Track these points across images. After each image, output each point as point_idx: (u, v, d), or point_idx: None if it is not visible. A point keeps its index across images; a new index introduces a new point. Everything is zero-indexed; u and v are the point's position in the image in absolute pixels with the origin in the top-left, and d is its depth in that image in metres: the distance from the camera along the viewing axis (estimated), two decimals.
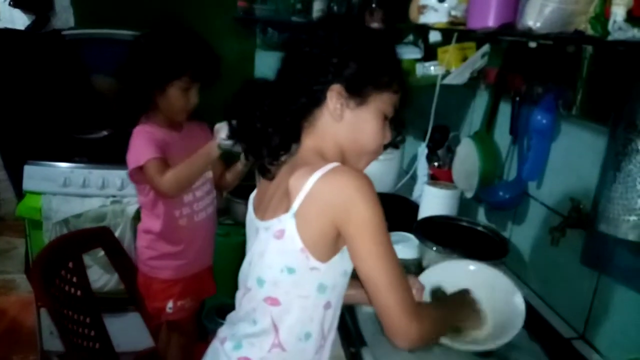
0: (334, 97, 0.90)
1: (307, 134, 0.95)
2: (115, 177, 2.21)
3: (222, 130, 1.47)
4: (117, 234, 2.14)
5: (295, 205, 0.86)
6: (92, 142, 2.37)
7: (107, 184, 2.20)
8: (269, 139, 0.94)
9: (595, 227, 1.09)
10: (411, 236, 1.61)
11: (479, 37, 1.62)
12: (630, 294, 1.14)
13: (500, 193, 1.50)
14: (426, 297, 1.17)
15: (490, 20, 1.33)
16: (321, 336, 0.96)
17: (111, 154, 2.22)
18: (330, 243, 0.88)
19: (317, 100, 0.91)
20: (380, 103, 0.93)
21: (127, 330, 1.99)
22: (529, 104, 1.44)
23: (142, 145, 1.52)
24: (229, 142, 1.44)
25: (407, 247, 1.58)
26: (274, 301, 0.92)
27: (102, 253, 1.95)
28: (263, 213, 0.97)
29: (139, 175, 1.56)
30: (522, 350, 1.22)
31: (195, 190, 1.63)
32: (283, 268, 0.89)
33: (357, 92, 0.91)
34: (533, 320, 1.31)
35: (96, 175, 2.19)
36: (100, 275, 2.21)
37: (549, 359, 1.19)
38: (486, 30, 1.35)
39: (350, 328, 1.24)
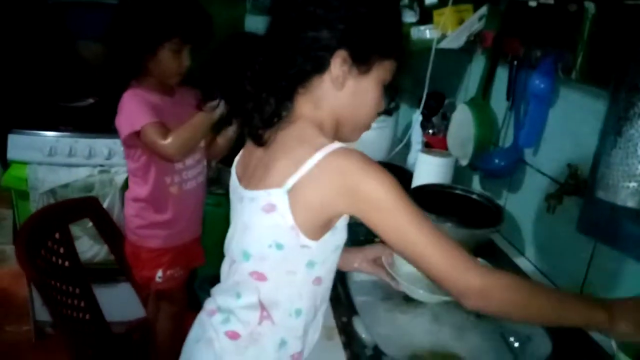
0: (339, 63, 0.84)
1: (302, 100, 0.88)
2: (102, 146, 2.15)
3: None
4: (105, 204, 2.12)
5: (291, 182, 0.80)
6: (77, 110, 2.31)
7: (94, 153, 2.15)
8: (261, 104, 0.86)
9: (594, 194, 1.05)
10: None
11: None
12: (627, 262, 1.12)
13: (496, 160, 1.47)
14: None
15: None
16: (312, 311, 0.93)
17: (98, 123, 2.18)
18: (324, 224, 0.83)
19: (319, 65, 0.84)
20: (382, 71, 0.88)
21: (118, 300, 1.98)
22: (526, 68, 1.40)
23: (136, 109, 1.47)
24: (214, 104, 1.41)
25: None
26: (260, 276, 0.88)
27: (91, 224, 1.93)
28: (247, 181, 0.92)
29: (133, 141, 1.50)
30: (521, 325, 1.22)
31: (179, 162, 1.59)
32: (271, 243, 0.85)
33: (363, 60, 0.85)
34: None
35: (83, 144, 2.14)
36: (90, 246, 2.18)
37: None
38: None
39: (342, 298, 1.22)
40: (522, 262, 1.41)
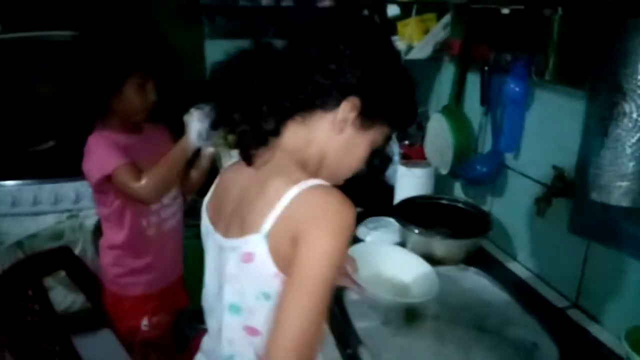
0: (348, 108, 0.81)
1: (294, 129, 0.83)
2: (69, 190, 2.06)
3: (193, 121, 1.36)
4: (77, 250, 2.02)
5: (267, 224, 0.75)
6: (38, 155, 2.20)
7: (60, 198, 2.05)
8: (259, 118, 0.81)
9: (587, 196, 1.05)
10: (391, 220, 1.56)
11: (443, 7, 1.56)
12: (622, 259, 1.12)
13: (478, 167, 1.46)
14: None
15: None
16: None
17: (61, 166, 2.08)
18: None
19: (329, 102, 0.81)
20: (379, 134, 0.87)
21: (101, 349, 1.88)
22: (499, 73, 1.40)
23: (105, 152, 1.39)
24: (205, 136, 1.34)
25: (387, 231, 1.53)
26: (253, 331, 0.83)
27: (63, 273, 1.83)
28: (226, 228, 0.86)
29: (104, 186, 1.42)
30: (518, 324, 1.21)
31: (162, 198, 1.52)
32: (258, 295, 0.80)
33: (369, 115, 0.83)
34: (524, 292, 1.30)
35: (47, 190, 2.04)
36: (65, 296, 2.07)
37: (545, 330, 1.17)
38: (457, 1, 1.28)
39: (342, 324, 1.18)
40: (515, 267, 1.41)
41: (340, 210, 0.73)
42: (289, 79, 0.81)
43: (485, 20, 1.48)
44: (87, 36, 1.41)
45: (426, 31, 1.72)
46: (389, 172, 1.88)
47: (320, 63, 0.79)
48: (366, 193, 1.77)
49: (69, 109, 1.47)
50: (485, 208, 1.53)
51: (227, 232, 0.85)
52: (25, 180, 2.06)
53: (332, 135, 0.83)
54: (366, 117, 0.82)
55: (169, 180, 1.41)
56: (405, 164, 1.66)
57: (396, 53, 0.87)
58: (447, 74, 1.71)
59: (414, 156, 1.75)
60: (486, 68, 1.44)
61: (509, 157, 1.43)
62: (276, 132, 0.82)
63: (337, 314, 1.20)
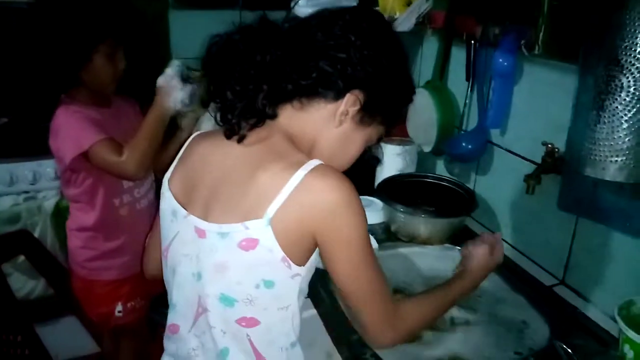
0: (352, 101, 0.78)
1: (290, 113, 0.80)
2: (26, 170, 1.92)
3: (172, 83, 1.27)
4: (36, 234, 1.90)
5: (272, 209, 0.72)
6: None
7: (16, 179, 1.91)
8: (258, 96, 0.77)
9: (579, 172, 1.03)
10: (374, 199, 1.52)
11: None
12: (611, 235, 1.11)
13: (463, 144, 1.43)
14: None
15: None
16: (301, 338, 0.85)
17: (16, 145, 1.94)
18: (308, 245, 0.76)
19: (331, 93, 0.78)
20: (375, 132, 0.85)
21: (64, 337, 1.80)
22: (486, 47, 1.36)
23: (78, 128, 1.29)
24: (187, 101, 1.27)
25: (371, 211, 1.48)
26: (250, 321, 0.78)
27: (22, 258, 1.72)
28: (204, 210, 0.79)
29: (77, 164, 1.31)
30: (507, 303, 1.20)
31: (148, 171, 1.42)
32: (259, 283, 0.75)
33: (370, 112, 0.81)
34: (512, 271, 1.29)
35: (2, 170, 1.89)
36: (24, 283, 1.95)
37: (533, 307, 1.17)
38: None
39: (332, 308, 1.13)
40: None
41: (347, 190, 0.73)
42: (294, 62, 0.77)
43: None
44: (50, 2, 1.29)
45: (408, 3, 1.66)
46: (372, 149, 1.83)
47: (328, 50, 0.76)
48: (347, 171, 1.73)
49: (30, 83, 1.34)
50: (470, 186, 1.50)
51: (207, 216, 0.78)
52: None
53: (329, 126, 0.80)
54: (367, 113, 0.80)
55: (151, 149, 1.31)
56: (387, 142, 1.62)
57: (405, 53, 0.85)
58: (429, 47, 1.67)
59: (396, 133, 1.71)
60: (472, 42, 1.40)
61: (495, 134, 1.40)
62: (273, 115, 0.79)
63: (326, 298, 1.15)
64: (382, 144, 1.61)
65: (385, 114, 0.84)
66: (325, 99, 0.79)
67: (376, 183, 1.60)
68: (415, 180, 1.51)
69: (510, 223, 1.39)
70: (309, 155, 0.79)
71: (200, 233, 0.78)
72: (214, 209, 0.77)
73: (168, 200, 0.85)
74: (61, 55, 1.25)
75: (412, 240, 1.36)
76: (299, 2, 1.91)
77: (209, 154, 0.83)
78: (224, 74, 0.78)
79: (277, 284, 0.76)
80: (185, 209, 0.81)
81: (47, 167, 1.93)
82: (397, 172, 1.56)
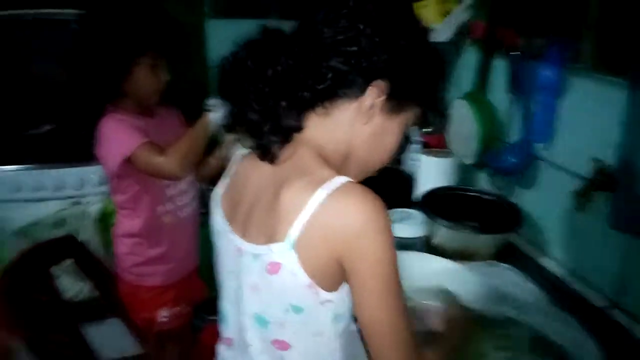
0: (375, 93, 0.73)
1: (316, 121, 0.75)
2: (72, 175, 1.99)
3: (219, 104, 1.28)
4: (80, 238, 1.95)
5: (294, 232, 0.68)
6: (38, 139, 2.11)
7: (63, 184, 1.98)
8: (279, 114, 0.74)
9: (634, 189, 1.00)
10: (413, 212, 1.51)
11: None
12: None
13: (507, 157, 1.41)
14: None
15: None
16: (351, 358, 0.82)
17: (63, 151, 2.01)
18: (336, 270, 0.71)
19: (352, 89, 0.73)
20: (410, 116, 0.79)
21: (109, 337, 1.83)
22: (529, 59, 1.34)
23: (122, 134, 1.33)
24: (219, 116, 1.26)
25: (410, 224, 1.47)
26: (282, 344, 0.77)
27: (69, 261, 1.77)
28: (243, 229, 0.78)
29: (123, 170, 1.35)
30: (556, 325, 1.14)
31: (178, 182, 1.46)
32: (287, 307, 0.73)
33: (400, 99, 0.75)
34: (561, 291, 1.25)
35: (50, 176, 1.97)
36: (72, 285, 2.00)
37: (584, 330, 1.10)
38: None
39: None
40: (547, 263, 1.35)
41: (373, 211, 0.67)
42: (305, 67, 0.72)
43: (511, 2, 1.41)
44: (95, 16, 1.33)
45: (446, 13, 1.65)
46: (406, 161, 1.82)
47: (338, 46, 0.71)
48: (383, 183, 1.72)
49: (77, 92, 1.38)
50: (513, 200, 1.47)
51: (245, 234, 0.78)
52: (27, 165, 1.98)
53: (359, 125, 0.75)
54: (396, 101, 0.75)
55: (192, 154, 1.34)
56: (427, 153, 1.60)
57: (420, 25, 0.78)
58: (468, 58, 1.65)
59: (435, 145, 1.70)
60: (514, 53, 1.38)
61: (540, 148, 1.37)
62: (299, 128, 0.75)
63: None
64: (422, 155, 1.61)
65: (417, 95, 0.77)
66: (347, 98, 0.74)
67: (413, 195, 1.59)
68: (456, 193, 1.49)
69: (557, 240, 1.36)
70: (347, 161, 0.77)
71: (239, 252, 0.78)
72: (251, 229, 0.77)
73: (215, 216, 0.86)
74: (103, 68, 1.29)
75: (455, 255, 1.34)
76: None
77: (249, 174, 0.82)
78: (240, 97, 0.75)
79: (306, 310, 0.73)
80: (230, 225, 0.82)
81: (91, 174, 1.99)
82: (437, 185, 1.54)
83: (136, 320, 1.55)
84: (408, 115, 0.78)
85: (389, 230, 0.68)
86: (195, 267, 1.62)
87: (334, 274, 0.71)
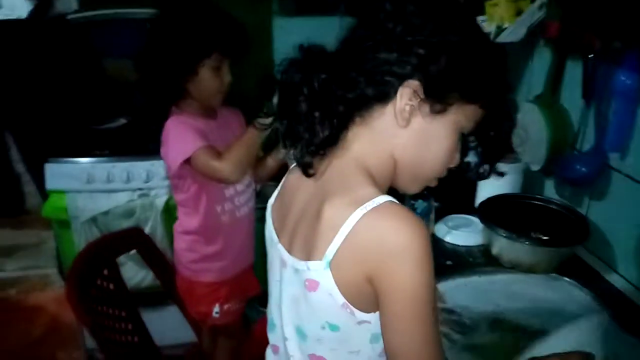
0: (407, 94, 0.68)
1: (357, 132, 0.73)
2: (140, 168, 2.06)
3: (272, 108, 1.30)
4: (147, 228, 2.04)
5: (331, 251, 0.67)
6: (110, 132, 2.22)
7: (132, 176, 2.06)
8: (314, 126, 0.72)
9: None
10: (474, 219, 1.45)
11: None
12: None
13: (577, 166, 1.33)
14: None
15: None
16: None
17: (133, 144, 2.09)
18: (373, 291, 0.68)
19: (383, 93, 0.69)
20: (462, 117, 0.71)
21: (168, 324, 1.91)
22: (606, 63, 1.25)
23: (184, 136, 1.37)
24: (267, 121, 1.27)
25: (470, 232, 1.43)
26: (319, 359, 0.76)
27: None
28: (290, 241, 0.78)
29: (183, 170, 1.40)
30: (615, 346, 1.08)
31: (236, 183, 1.49)
32: (324, 325, 0.72)
33: (437, 97, 0.69)
34: (625, 310, 1.17)
35: (120, 168, 2.05)
36: (136, 272, 2.10)
37: None
38: None
39: None
40: (614, 279, 1.28)
41: (412, 238, 0.64)
42: (335, 79, 0.70)
43: (588, 2, 1.32)
44: (165, 16, 1.37)
45: (518, 12, 1.57)
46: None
47: (365, 51, 0.68)
48: (444, 186, 1.67)
49: (145, 91, 1.43)
50: (582, 211, 1.39)
51: (290, 248, 0.77)
52: (100, 157, 2.08)
53: (397, 130, 0.70)
54: (434, 100, 0.68)
55: (246, 159, 1.36)
56: None
57: (466, 16, 0.72)
58: (540, 60, 1.56)
59: None
60: (591, 56, 1.29)
61: (614, 158, 1.28)
62: (333, 141, 0.72)
63: None
64: None
65: (459, 91, 0.69)
66: (381, 103, 0.70)
67: (477, 201, 1.54)
68: (521, 201, 1.43)
69: (626, 255, 1.27)
70: (396, 171, 0.74)
71: (283, 263, 0.78)
72: (296, 243, 0.76)
73: (267, 225, 0.87)
74: (169, 68, 1.33)
75: (515, 267, 1.28)
76: None
77: (298, 185, 0.80)
78: (288, 115, 0.75)
79: (342, 329, 0.71)
80: (278, 236, 0.82)
81: (159, 167, 2.06)
82: (500, 191, 1.48)
83: (191, 314, 1.61)
84: (459, 114, 0.71)
85: (427, 255, 0.65)
86: (250, 264, 1.66)
87: (369, 295, 0.68)
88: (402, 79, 0.68)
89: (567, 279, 1.24)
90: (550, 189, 1.53)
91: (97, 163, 2.07)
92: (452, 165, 0.76)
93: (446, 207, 1.56)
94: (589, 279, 1.27)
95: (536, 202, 1.41)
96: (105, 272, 1.52)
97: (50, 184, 2.07)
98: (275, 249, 0.81)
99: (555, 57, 1.46)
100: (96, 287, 1.47)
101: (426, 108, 0.69)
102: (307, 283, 0.71)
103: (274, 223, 0.85)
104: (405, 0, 0.69)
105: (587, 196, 1.39)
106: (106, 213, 2.07)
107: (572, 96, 1.40)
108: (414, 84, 0.68)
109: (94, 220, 2.08)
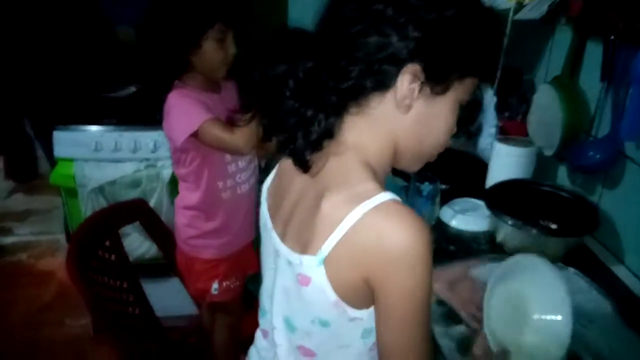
0: (408, 80, 0.64)
1: (353, 122, 0.69)
2: (147, 139, 2.05)
3: None
4: (153, 199, 2.04)
5: (326, 248, 0.65)
6: (120, 100, 2.21)
7: (139, 146, 2.05)
8: (307, 121, 0.69)
9: None
10: (481, 203, 1.41)
11: None
12: None
13: (590, 153, 1.27)
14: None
15: None
16: None
17: (141, 114, 2.07)
18: (366, 290, 0.67)
19: (381, 81, 0.65)
20: (461, 91, 0.69)
21: (171, 296, 1.92)
22: (627, 45, 1.18)
23: (189, 109, 1.34)
24: None
25: (476, 216, 1.39)
26: (307, 351, 0.75)
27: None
28: (283, 229, 0.75)
29: (188, 143, 1.37)
30: (617, 341, 1.04)
31: (238, 159, 1.46)
32: (314, 319, 0.71)
33: (439, 79, 0.66)
34: (629, 303, 1.13)
35: (127, 138, 2.04)
36: (141, 243, 2.11)
37: None
38: None
39: None
40: (620, 271, 1.23)
41: (413, 235, 0.62)
42: (325, 68, 0.66)
43: None
44: None
45: None
46: (481, 146, 1.71)
47: (355, 38, 0.64)
48: (454, 167, 1.63)
49: (148, 63, 1.40)
50: (594, 199, 1.34)
51: (283, 236, 0.75)
52: (108, 126, 2.07)
53: (399, 117, 0.67)
54: (436, 81, 0.66)
55: (257, 131, 1.29)
56: (503, 140, 1.48)
57: None
58: (561, 38, 1.49)
59: (513, 132, 1.57)
60: (612, 38, 1.22)
61: (629, 146, 1.22)
62: (329, 134, 0.69)
63: None
64: (496, 142, 1.49)
65: (460, 69, 0.67)
66: (379, 91, 0.66)
67: (487, 185, 1.49)
68: (530, 187, 1.38)
69: (634, 247, 1.22)
70: (397, 156, 0.71)
71: (277, 253, 0.76)
72: (289, 232, 0.74)
73: (262, 209, 0.84)
74: (170, 41, 1.29)
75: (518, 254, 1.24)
76: None
77: (293, 173, 0.76)
78: (272, 108, 0.72)
79: (333, 325, 0.70)
80: (272, 222, 0.79)
81: (165, 138, 2.05)
82: (510, 176, 1.43)
83: (190, 290, 1.61)
84: (458, 90, 0.68)
85: (428, 258, 0.63)
86: (250, 241, 1.64)
87: (364, 293, 0.67)
88: (400, 64, 0.64)
89: (572, 269, 1.20)
90: (563, 176, 1.47)
91: (105, 132, 2.06)
92: (452, 135, 0.73)
93: (456, 190, 1.51)
94: (595, 270, 1.22)
95: (546, 189, 1.36)
96: (107, 243, 1.52)
97: (58, 151, 2.07)
98: (269, 236, 0.79)
99: (576, 37, 1.38)
100: (97, 258, 1.48)
101: (427, 90, 0.66)
102: (299, 277, 0.69)
103: (269, 209, 0.82)
104: None
105: (600, 184, 1.33)
106: (113, 182, 2.07)
107: (591, 79, 1.34)
108: (413, 68, 0.64)
109: (101, 189, 2.08)
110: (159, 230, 1.72)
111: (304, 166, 0.70)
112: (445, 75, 0.66)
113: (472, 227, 1.37)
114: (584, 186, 1.38)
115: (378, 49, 0.63)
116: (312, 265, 0.66)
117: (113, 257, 1.53)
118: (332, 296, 0.67)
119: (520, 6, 1.48)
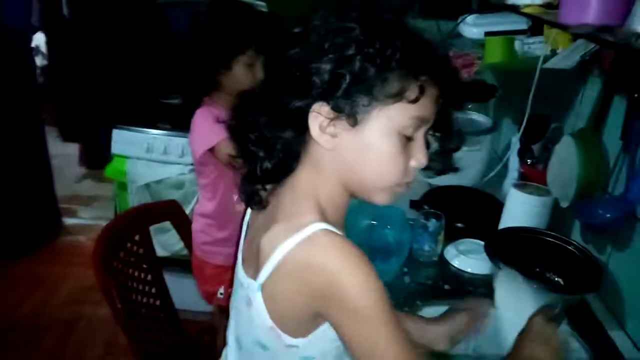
0: (315, 120, 0.68)
1: (303, 162, 0.75)
2: None
3: None
4: (193, 202, 2.18)
5: (262, 276, 0.70)
6: (174, 107, 2.38)
7: (186, 152, 2.21)
8: (260, 162, 0.75)
9: None
10: None
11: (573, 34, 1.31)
12: None
13: (600, 211, 1.23)
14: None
15: (590, 16, 0.91)
16: None
17: (189, 122, 2.22)
18: (308, 320, 0.71)
19: (301, 124, 0.69)
20: (387, 119, 0.67)
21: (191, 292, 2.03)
22: None
23: (210, 127, 1.44)
24: None
25: (478, 259, 1.38)
26: None
27: None
28: (244, 256, 0.82)
29: (206, 158, 1.49)
30: None
31: None
32: (255, 341, 0.75)
33: (345, 111, 0.66)
34: None
35: (176, 142, 2.21)
36: (179, 240, 2.25)
37: None
38: (582, 30, 1.04)
39: None
40: (619, 337, 1.18)
41: (343, 258, 0.65)
42: (270, 122, 0.72)
43: None
44: (205, 14, 1.45)
45: (575, 38, 1.47)
46: (505, 190, 1.69)
47: (274, 88, 0.71)
48: (473, 208, 1.63)
49: (185, 80, 1.53)
50: (603, 258, 1.30)
51: (244, 262, 0.81)
52: (160, 130, 2.25)
53: (329, 154, 0.71)
54: (345, 114, 0.66)
55: None
56: (520, 187, 1.47)
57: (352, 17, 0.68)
58: (592, 90, 1.45)
59: (533, 178, 1.54)
60: (636, 95, 1.19)
61: None
62: (278, 176, 0.76)
63: None
64: (512, 188, 1.48)
65: (369, 98, 0.66)
66: (307, 133, 0.70)
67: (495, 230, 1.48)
68: (537, 237, 1.35)
69: (635, 314, 1.18)
70: (345, 190, 0.74)
71: (237, 276, 0.82)
72: (247, 258, 0.80)
73: (246, 217, 0.90)
74: (204, 60, 1.40)
75: None
76: (467, 19, 1.82)
77: None
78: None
79: (272, 349, 0.74)
80: (243, 242, 0.86)
81: None
82: (524, 224, 1.41)
83: (200, 292, 1.71)
84: (382, 119, 0.67)
85: (365, 274, 0.65)
86: None
87: (301, 321, 0.71)
88: (307, 105, 0.68)
89: (565, 325, 1.17)
90: (577, 230, 1.43)
91: (158, 135, 2.25)
92: (418, 166, 0.73)
93: (469, 230, 1.51)
94: (592, 331, 1.18)
95: (552, 240, 1.33)
96: (137, 237, 1.65)
97: (115, 148, 2.27)
98: (239, 254, 0.86)
99: (603, 90, 1.36)
100: (126, 250, 1.60)
101: (341, 125, 0.68)
102: (246, 299, 0.74)
103: (245, 228, 0.88)
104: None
105: (610, 244, 1.29)
106: (159, 182, 2.24)
107: (614, 135, 1.30)
108: (317, 107, 0.68)
109: (147, 186, 2.26)
110: (188, 232, 1.84)
111: (256, 204, 0.78)
112: (350, 106, 0.66)
113: (473, 269, 1.37)
114: (595, 243, 1.33)
115: (290, 94, 0.68)
116: (254, 290, 0.72)
117: (141, 250, 1.66)
118: (268, 321, 0.71)
119: (553, 54, 1.47)
